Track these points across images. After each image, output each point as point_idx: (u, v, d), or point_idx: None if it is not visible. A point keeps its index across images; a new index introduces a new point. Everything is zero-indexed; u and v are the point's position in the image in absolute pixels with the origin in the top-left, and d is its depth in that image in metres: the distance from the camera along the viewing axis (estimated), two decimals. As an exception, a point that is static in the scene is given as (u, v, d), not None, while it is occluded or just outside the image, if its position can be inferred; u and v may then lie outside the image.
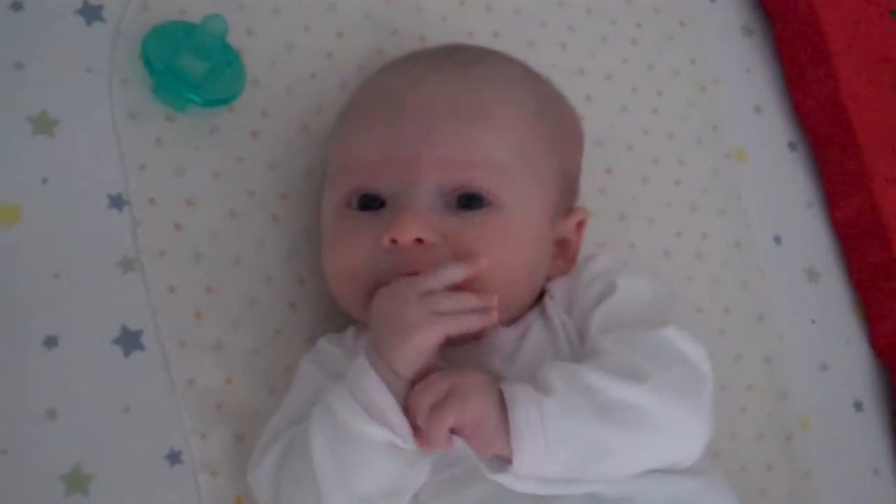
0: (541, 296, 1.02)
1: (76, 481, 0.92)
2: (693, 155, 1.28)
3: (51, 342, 0.94)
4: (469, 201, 0.94)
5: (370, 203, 0.96)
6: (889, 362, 1.29)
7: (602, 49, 1.28)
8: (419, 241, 0.92)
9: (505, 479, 0.84)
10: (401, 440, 0.85)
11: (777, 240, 1.29)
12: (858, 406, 1.27)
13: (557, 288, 1.01)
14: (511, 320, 0.98)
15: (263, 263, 1.06)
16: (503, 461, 0.84)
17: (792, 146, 1.35)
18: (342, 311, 1.03)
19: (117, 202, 1.00)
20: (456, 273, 0.90)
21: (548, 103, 1.04)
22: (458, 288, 0.90)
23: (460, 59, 1.01)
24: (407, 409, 0.85)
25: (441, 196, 0.94)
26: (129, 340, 0.97)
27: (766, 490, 1.17)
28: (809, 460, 1.21)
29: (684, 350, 0.90)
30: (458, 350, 0.92)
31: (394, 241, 0.92)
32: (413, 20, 1.18)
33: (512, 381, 0.86)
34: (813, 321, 1.28)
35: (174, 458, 0.96)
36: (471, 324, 0.88)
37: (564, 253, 1.04)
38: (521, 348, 0.95)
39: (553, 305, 0.99)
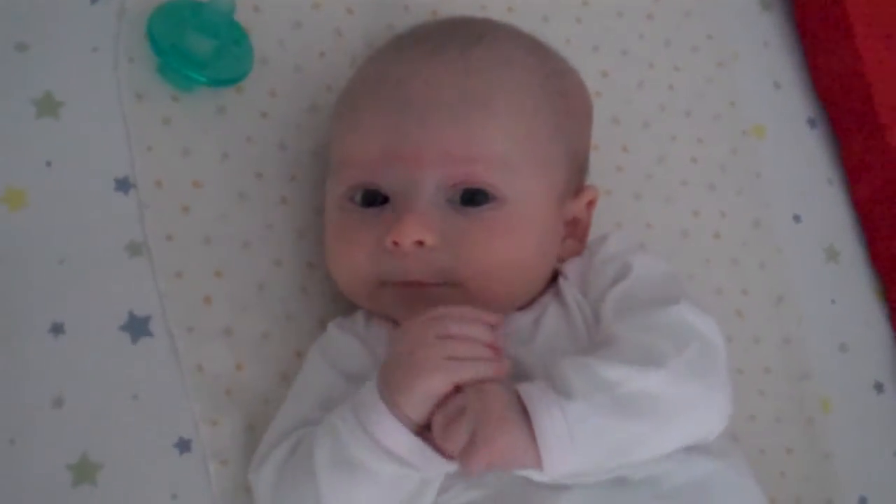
0: (554, 277, 1.00)
1: (84, 471, 0.90)
2: (711, 132, 1.25)
3: (57, 329, 0.93)
4: (473, 196, 0.92)
5: (373, 198, 0.95)
6: (910, 343, 1.27)
7: (618, 24, 1.25)
8: (420, 243, 0.90)
9: (534, 475, 0.83)
10: (414, 469, 0.83)
11: (796, 218, 1.27)
12: (879, 387, 1.25)
13: (571, 269, 1.00)
14: (525, 305, 0.97)
15: (273, 247, 1.04)
16: None
17: (811, 122, 1.32)
18: (353, 296, 1.01)
19: (123, 185, 0.98)
20: (482, 333, 0.85)
21: (553, 80, 1.01)
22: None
23: (461, 40, 0.98)
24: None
25: (443, 192, 0.92)
26: (137, 326, 0.95)
27: (785, 473, 1.15)
28: (829, 443, 1.19)
29: (696, 326, 0.88)
30: None
31: (395, 243, 0.90)
32: (424, -5, 1.16)
33: (530, 385, 0.83)
34: (833, 301, 1.26)
35: (184, 446, 0.94)
36: (486, 372, 0.83)
37: (575, 232, 1.02)
38: (537, 332, 0.94)
39: (567, 286, 0.98)
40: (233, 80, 1.04)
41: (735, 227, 1.22)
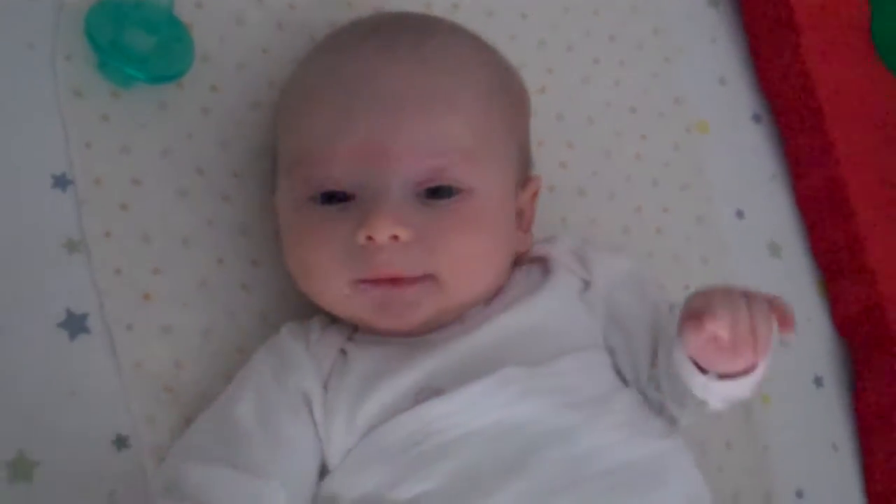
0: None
1: (20, 468, 0.90)
2: (655, 128, 1.26)
3: (-7, 326, 0.92)
4: (438, 191, 0.92)
5: (332, 197, 0.93)
6: (850, 338, 1.29)
7: (564, 20, 1.25)
8: (394, 237, 0.90)
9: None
10: None
11: (739, 214, 1.28)
12: (818, 381, 1.27)
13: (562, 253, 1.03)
14: (490, 298, 0.98)
15: (214, 244, 1.03)
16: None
17: (756, 118, 1.34)
18: (297, 293, 1.01)
19: (61, 182, 0.98)
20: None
21: (500, 76, 1.02)
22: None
23: (410, 36, 0.97)
24: None
25: (411, 186, 0.92)
26: (75, 324, 0.95)
27: (723, 468, 1.16)
28: (768, 436, 1.20)
29: None
30: (439, 332, 0.94)
31: (369, 237, 0.90)
32: (368, -10, 1.15)
33: None
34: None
35: (122, 442, 0.94)
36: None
37: (521, 225, 1.03)
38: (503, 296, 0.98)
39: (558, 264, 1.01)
40: (173, 77, 1.03)
41: (678, 222, 1.24)
